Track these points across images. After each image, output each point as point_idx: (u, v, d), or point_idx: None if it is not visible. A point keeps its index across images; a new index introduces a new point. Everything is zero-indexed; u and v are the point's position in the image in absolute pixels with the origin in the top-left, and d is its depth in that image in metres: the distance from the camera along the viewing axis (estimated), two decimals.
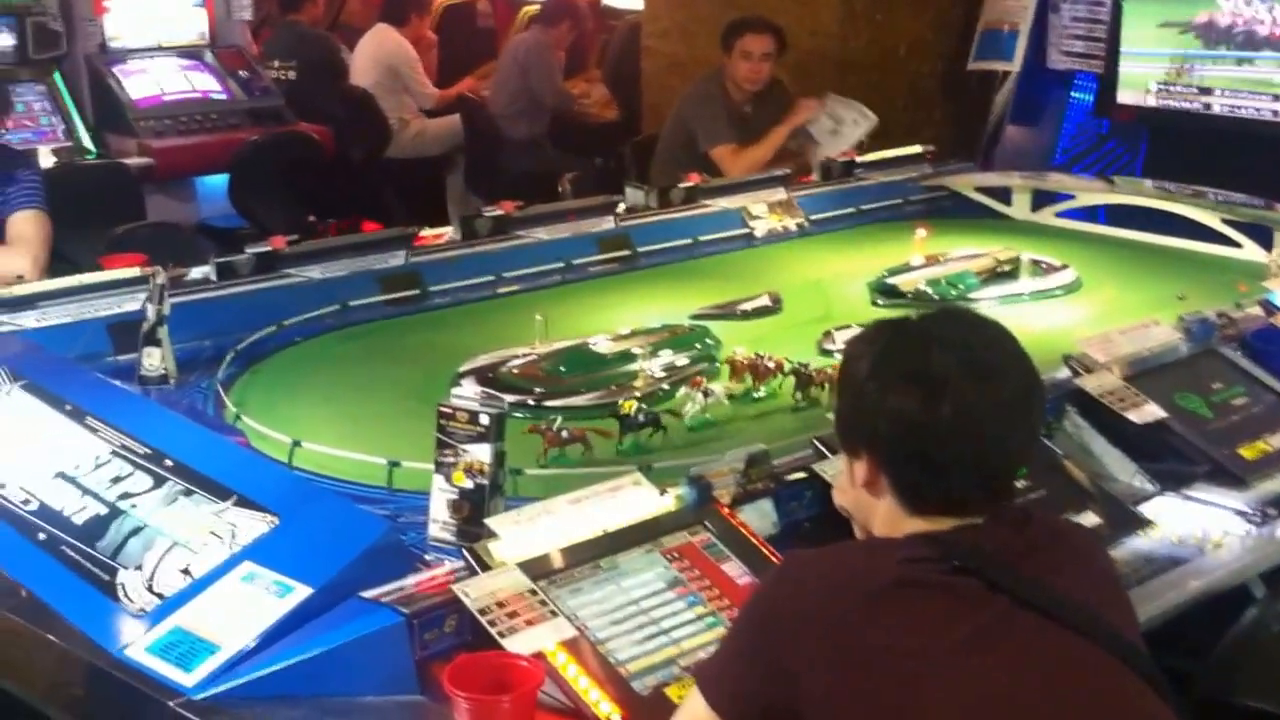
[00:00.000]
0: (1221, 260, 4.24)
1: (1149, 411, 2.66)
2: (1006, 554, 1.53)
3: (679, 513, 2.09)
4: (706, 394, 2.79)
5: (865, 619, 1.47)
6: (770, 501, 2.23)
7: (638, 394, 2.85)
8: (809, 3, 6.09)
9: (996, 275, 3.93)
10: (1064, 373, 2.78)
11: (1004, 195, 4.88)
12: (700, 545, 2.05)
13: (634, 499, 2.08)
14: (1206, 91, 5.47)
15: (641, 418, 2.66)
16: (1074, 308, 3.79)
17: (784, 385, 2.96)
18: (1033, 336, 3.06)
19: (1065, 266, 4.03)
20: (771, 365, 2.95)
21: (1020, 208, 4.82)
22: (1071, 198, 4.76)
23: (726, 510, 2.13)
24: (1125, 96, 5.73)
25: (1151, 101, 5.64)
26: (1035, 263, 4.00)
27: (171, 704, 1.79)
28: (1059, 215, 4.75)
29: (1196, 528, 2.42)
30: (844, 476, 1.69)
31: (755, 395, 2.94)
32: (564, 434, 2.59)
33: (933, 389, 1.55)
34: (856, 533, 1.71)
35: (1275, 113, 5.30)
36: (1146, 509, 2.49)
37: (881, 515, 1.63)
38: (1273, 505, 2.50)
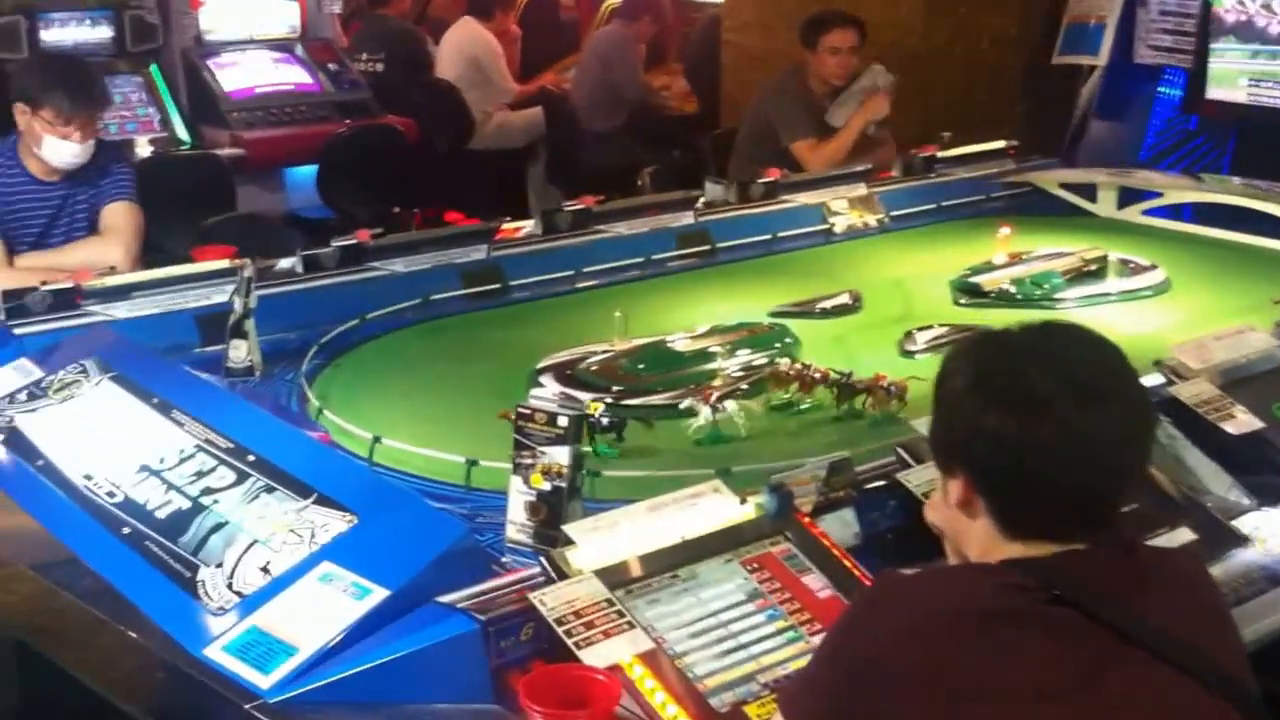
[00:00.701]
0: None
1: (1246, 422, 2.58)
2: (1109, 585, 1.47)
3: (759, 521, 2.07)
4: (716, 409, 2.72)
5: (959, 654, 1.42)
6: (852, 511, 2.19)
7: (607, 399, 2.79)
8: None
9: (1082, 275, 3.86)
10: (1156, 380, 2.71)
11: (1089, 192, 4.79)
12: (780, 556, 2.02)
13: (713, 507, 2.06)
14: None
15: (605, 421, 2.57)
16: (1163, 310, 3.71)
17: (829, 396, 2.88)
18: (1121, 340, 3.00)
19: (1154, 266, 3.95)
20: (818, 375, 2.88)
21: (1106, 205, 4.73)
22: (1159, 195, 4.66)
23: (807, 520, 2.10)
24: (1214, 92, 5.61)
25: (1241, 98, 5.50)
26: (1123, 262, 3.92)
27: (247, 707, 1.80)
28: (1145, 213, 4.65)
29: None
30: (937, 493, 1.64)
31: (801, 406, 2.87)
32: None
33: (1035, 410, 1.48)
34: (948, 550, 1.65)
35: None
36: (1243, 524, 2.41)
37: (976, 538, 1.57)
38: None
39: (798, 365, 2.93)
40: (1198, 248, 4.35)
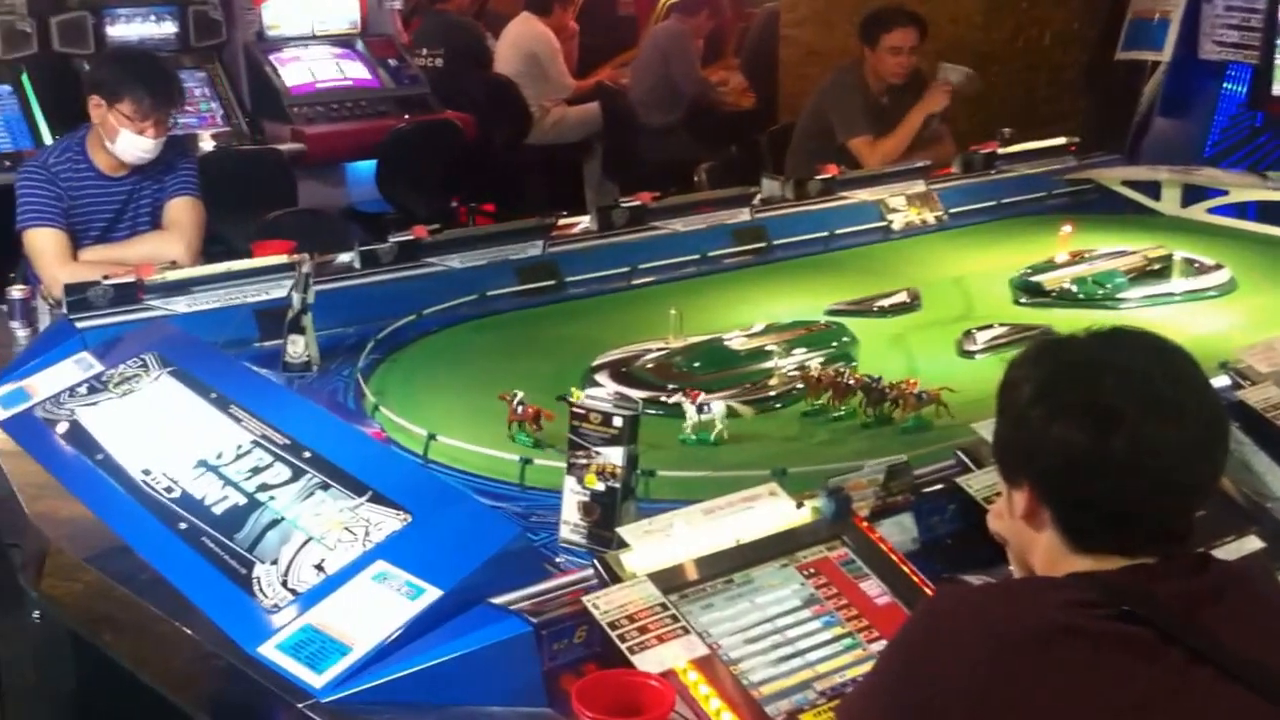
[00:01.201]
0: None
1: None
2: (1181, 601, 1.42)
3: (815, 526, 2.04)
4: (702, 409, 2.68)
5: (1029, 678, 1.38)
6: (911, 515, 2.17)
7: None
8: None
9: (1146, 274, 3.79)
10: (1222, 382, 2.66)
11: (1152, 190, 4.72)
12: (838, 561, 2.00)
13: (769, 510, 2.04)
14: None
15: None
16: (1229, 311, 3.64)
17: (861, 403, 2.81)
18: (1186, 341, 2.95)
19: (1219, 266, 3.87)
20: (851, 382, 2.82)
21: (1169, 203, 4.66)
22: (1224, 193, 4.57)
23: (865, 524, 2.07)
24: None
25: None
26: (1187, 262, 3.85)
27: (300, 706, 1.81)
28: (1210, 212, 4.57)
29: None
30: (1002, 503, 1.59)
31: (835, 414, 2.81)
32: (519, 409, 2.61)
33: (1105, 421, 1.44)
34: (1011, 560, 1.61)
35: None
36: None
37: (1042, 550, 1.53)
38: None
39: (830, 371, 2.89)
40: (1264, 247, 4.26)
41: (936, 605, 1.50)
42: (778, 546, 1.99)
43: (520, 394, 2.67)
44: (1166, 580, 1.43)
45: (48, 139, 5.36)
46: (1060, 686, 1.36)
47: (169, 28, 6.05)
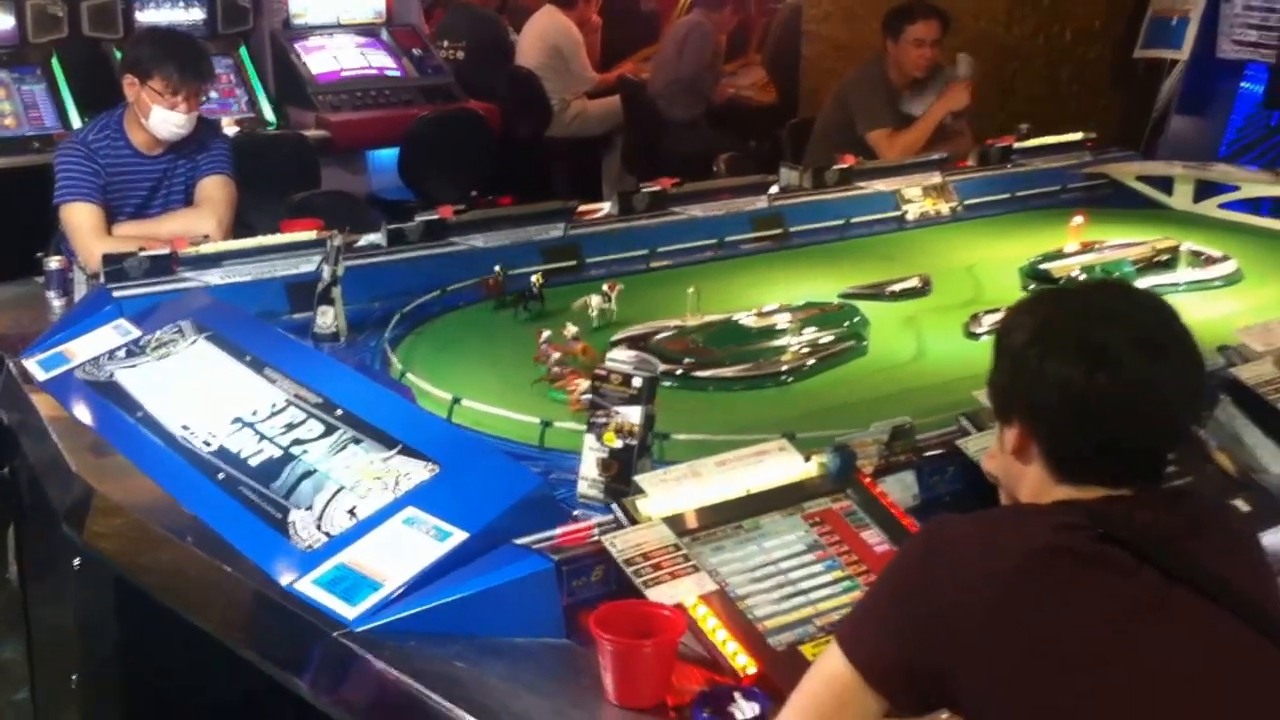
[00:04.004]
0: None
1: None
2: (1157, 526, 1.53)
3: (822, 479, 2.15)
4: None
5: (1025, 597, 1.47)
6: (912, 474, 2.27)
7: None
8: None
9: (1154, 264, 3.88)
10: (1220, 362, 2.75)
11: (1166, 185, 4.80)
12: (841, 512, 2.10)
13: (778, 464, 2.15)
14: None
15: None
16: (1234, 300, 3.73)
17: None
18: (1191, 325, 3.05)
19: (1226, 258, 3.96)
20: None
21: (1182, 198, 4.74)
22: (1236, 189, 4.66)
23: (868, 480, 2.18)
24: None
25: None
26: (1194, 253, 3.94)
27: (334, 635, 1.92)
28: (1221, 206, 4.65)
29: None
30: (995, 443, 1.71)
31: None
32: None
33: (1097, 360, 1.55)
34: (1002, 498, 1.72)
35: None
36: None
37: (1029, 483, 1.64)
38: None
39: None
40: (1273, 241, 4.35)
41: (932, 531, 1.60)
42: (785, 497, 2.09)
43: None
44: (1143, 509, 1.54)
45: (76, 122, 5.49)
46: (1058, 600, 1.47)
47: (196, 14, 6.17)
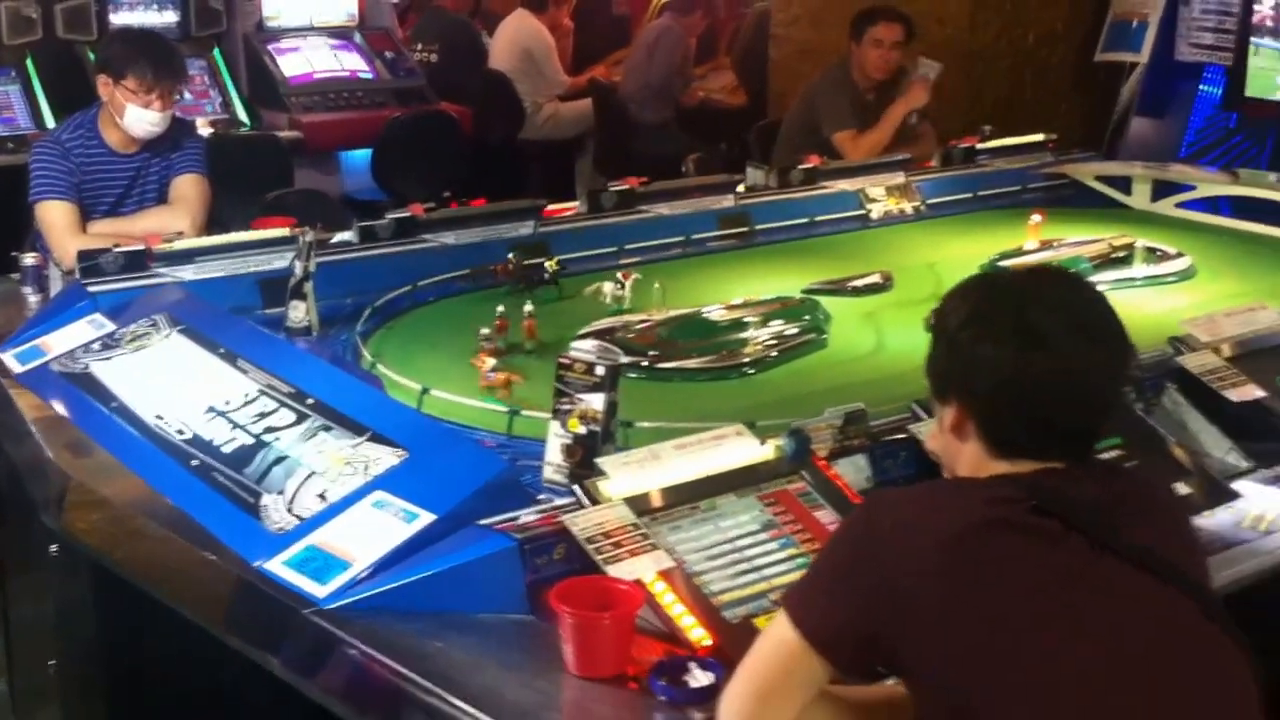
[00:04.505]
0: None
1: (1248, 391, 2.70)
2: (1085, 498, 1.61)
3: (778, 462, 2.22)
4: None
5: (953, 556, 1.56)
6: (866, 457, 2.35)
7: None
8: None
9: (1110, 261, 3.97)
10: (1168, 352, 2.84)
11: (1124, 185, 4.90)
12: (796, 493, 2.18)
13: (735, 448, 2.22)
14: None
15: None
16: (1188, 294, 3.82)
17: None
18: (1143, 319, 3.14)
19: (1181, 254, 4.06)
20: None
21: (1140, 198, 4.84)
22: (1192, 188, 4.76)
23: (823, 463, 2.25)
24: (1254, 90, 5.69)
25: (1278, 97, 5.59)
26: (1150, 250, 4.04)
27: (305, 613, 1.98)
28: (1178, 206, 4.75)
29: None
30: (935, 423, 1.79)
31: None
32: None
33: (1027, 342, 1.64)
34: (945, 476, 1.80)
35: None
36: (1238, 485, 2.54)
37: (967, 458, 1.72)
38: None
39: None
40: (1229, 239, 4.45)
41: (874, 504, 1.68)
42: (742, 479, 2.17)
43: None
44: (1074, 482, 1.63)
45: (50, 122, 5.53)
46: (992, 568, 1.56)
47: (170, 16, 6.23)
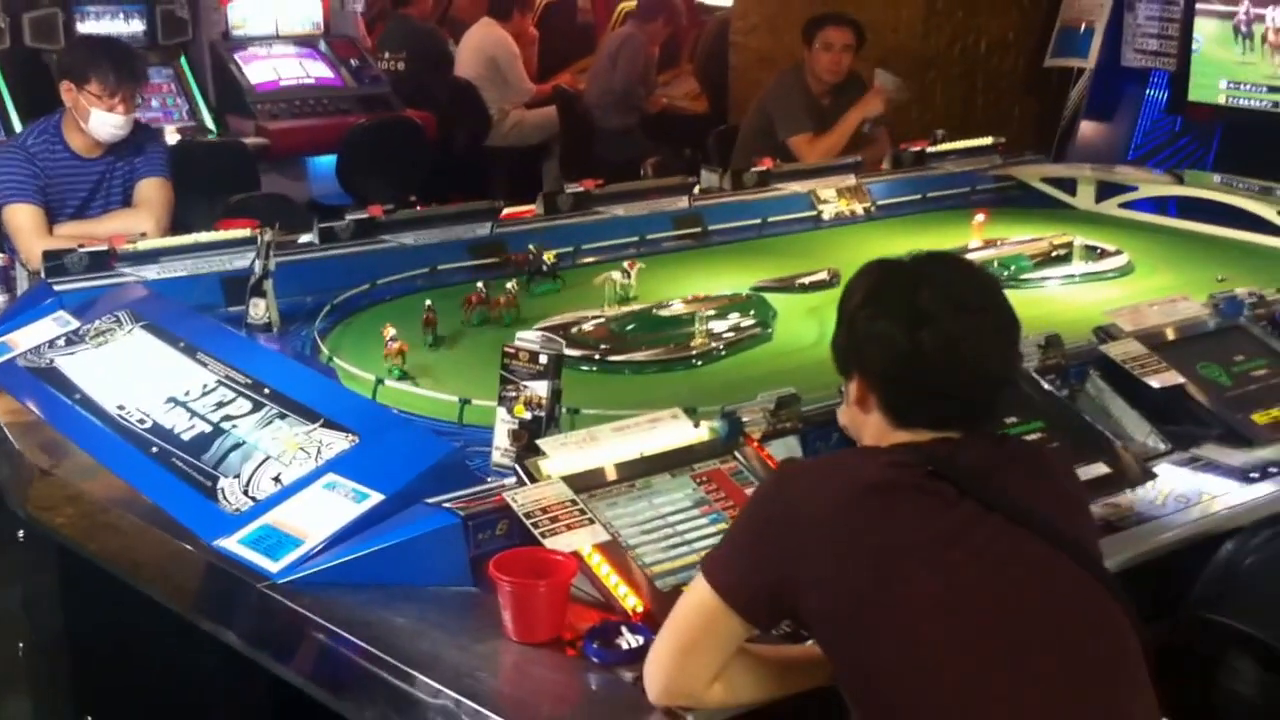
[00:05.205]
0: (1278, 252, 4.37)
1: (1168, 377, 2.83)
2: (979, 465, 1.73)
3: (712, 443, 2.34)
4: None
5: (857, 520, 1.68)
6: (797, 439, 2.46)
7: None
8: (892, 0, 6.29)
9: (1050, 258, 4.10)
10: (1093, 341, 2.96)
11: (1070, 186, 5.03)
12: (729, 472, 2.29)
13: (672, 430, 2.33)
14: (1275, 90, 5.59)
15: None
16: (1124, 289, 3.93)
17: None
18: (1078, 313, 3.26)
19: (1119, 252, 4.19)
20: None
21: (1084, 198, 4.97)
22: (1134, 189, 4.90)
23: (756, 444, 2.36)
24: (1197, 94, 5.85)
25: (1221, 100, 5.75)
26: (1088, 248, 4.17)
27: (259, 586, 2.08)
28: (1122, 206, 4.89)
29: (1195, 483, 2.59)
30: (844, 398, 1.91)
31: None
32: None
33: (917, 319, 1.76)
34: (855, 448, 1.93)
35: None
36: (1156, 466, 2.67)
37: (871, 429, 1.84)
38: (1274, 466, 2.67)
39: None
40: (1169, 238, 4.59)
41: (784, 472, 1.81)
42: (676, 459, 2.28)
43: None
44: (967, 449, 1.76)
45: (18, 128, 5.60)
46: (889, 526, 1.68)
47: (137, 25, 6.32)
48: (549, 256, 3.78)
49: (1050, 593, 1.70)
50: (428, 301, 3.34)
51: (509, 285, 3.52)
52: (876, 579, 1.66)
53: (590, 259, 4.11)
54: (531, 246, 3.82)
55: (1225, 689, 2.19)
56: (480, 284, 3.49)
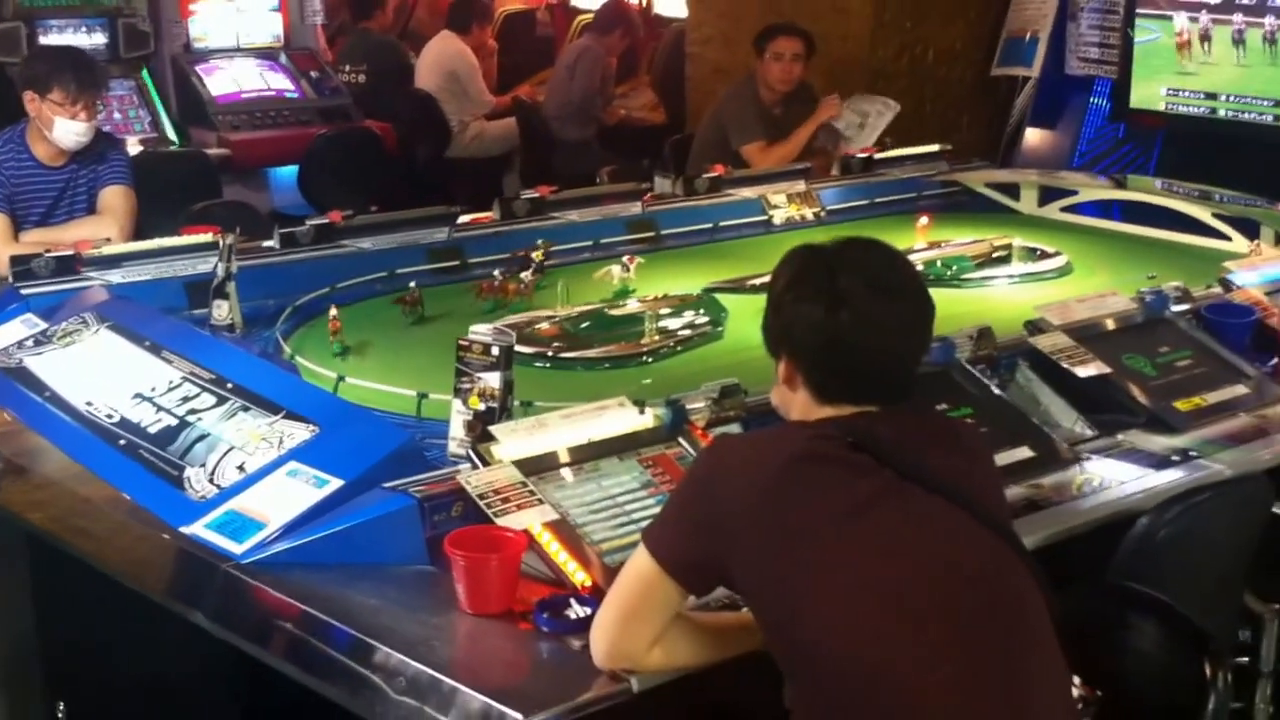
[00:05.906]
0: (1213, 252, 4.51)
1: (1094, 367, 2.97)
2: (897, 437, 1.85)
3: (658, 430, 2.45)
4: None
5: (783, 490, 1.80)
6: (739, 426, 2.58)
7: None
8: (842, 11, 6.43)
9: (991, 260, 4.25)
10: (1023, 334, 3.10)
11: (1014, 191, 5.17)
12: (674, 457, 2.41)
13: (617, 417, 2.45)
14: (1212, 96, 5.77)
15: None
16: (1062, 289, 4.06)
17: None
18: (1016, 311, 3.39)
19: (1058, 253, 4.34)
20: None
21: (1028, 203, 5.12)
22: (1075, 193, 5.05)
23: (700, 431, 2.48)
24: (1138, 101, 6.03)
25: (1161, 106, 5.93)
26: (1028, 249, 4.32)
27: (224, 568, 2.19)
28: (1064, 210, 5.04)
29: (1116, 467, 2.73)
30: (775, 377, 2.03)
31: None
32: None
33: (835, 300, 1.88)
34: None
35: (1276, 118, 5.58)
36: (1082, 451, 2.80)
37: (798, 406, 1.97)
38: (1193, 451, 2.81)
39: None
40: (1107, 240, 4.74)
41: (715, 447, 1.93)
42: (624, 444, 2.40)
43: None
44: (886, 423, 1.88)
45: None
46: (811, 493, 1.80)
47: (99, 38, 6.37)
48: (537, 255, 3.92)
49: (960, 554, 1.82)
50: (412, 284, 3.60)
51: (523, 275, 3.77)
52: (793, 544, 1.77)
53: (549, 262, 4.22)
54: (541, 242, 3.99)
55: (1134, 649, 2.33)
56: (496, 272, 3.76)
